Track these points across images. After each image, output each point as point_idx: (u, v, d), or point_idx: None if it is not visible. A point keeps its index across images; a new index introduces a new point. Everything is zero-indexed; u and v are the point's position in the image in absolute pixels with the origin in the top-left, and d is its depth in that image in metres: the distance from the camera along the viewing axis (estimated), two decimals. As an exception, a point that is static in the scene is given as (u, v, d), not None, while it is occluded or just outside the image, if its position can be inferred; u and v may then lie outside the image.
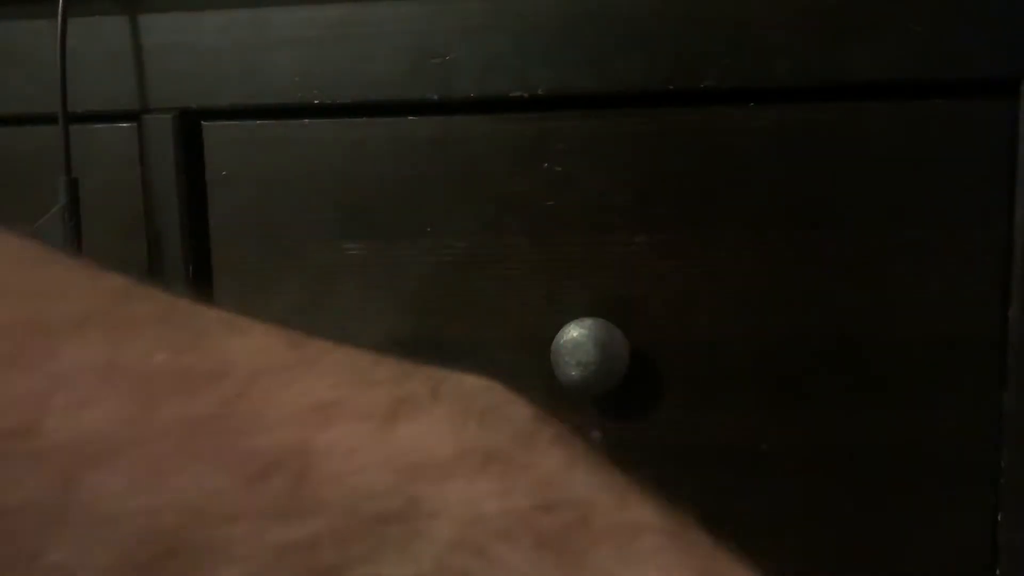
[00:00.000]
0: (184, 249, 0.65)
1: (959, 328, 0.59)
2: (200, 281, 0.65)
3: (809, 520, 0.62)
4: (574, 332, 0.60)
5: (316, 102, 0.62)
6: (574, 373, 0.60)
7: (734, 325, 0.61)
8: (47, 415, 0.18)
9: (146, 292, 0.22)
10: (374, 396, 0.21)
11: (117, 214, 0.65)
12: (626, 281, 0.61)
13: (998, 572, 0.60)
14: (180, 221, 0.64)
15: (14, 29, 0.64)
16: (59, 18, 0.61)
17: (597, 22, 0.59)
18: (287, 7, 0.62)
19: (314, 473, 0.19)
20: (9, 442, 0.18)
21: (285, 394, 0.20)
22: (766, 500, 0.62)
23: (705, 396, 0.61)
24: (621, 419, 0.62)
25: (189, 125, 0.64)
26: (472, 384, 0.22)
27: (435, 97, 0.61)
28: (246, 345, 0.21)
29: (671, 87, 0.59)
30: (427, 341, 0.63)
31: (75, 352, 0.19)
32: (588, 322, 0.60)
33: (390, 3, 0.61)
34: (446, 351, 0.63)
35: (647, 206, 0.61)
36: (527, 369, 0.63)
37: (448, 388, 0.21)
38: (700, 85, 0.59)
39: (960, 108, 0.57)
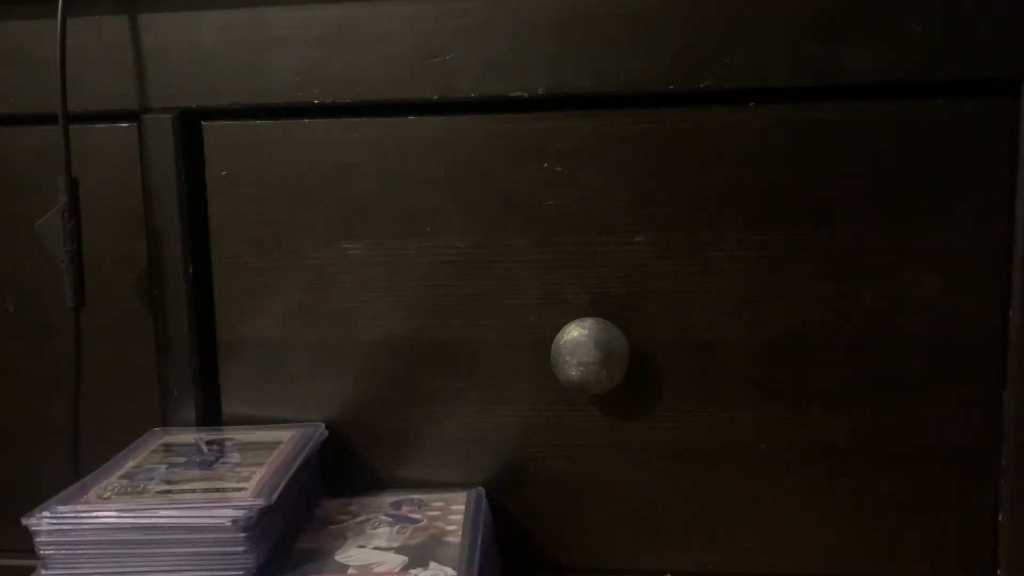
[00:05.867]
0: (184, 249, 0.65)
1: (959, 328, 0.59)
2: (200, 281, 0.65)
3: (809, 520, 0.62)
4: (574, 332, 0.60)
5: (316, 102, 0.62)
6: (574, 373, 0.60)
7: (734, 325, 0.61)
8: None
9: None
10: None
11: (117, 214, 0.65)
12: (626, 281, 0.61)
13: (998, 572, 0.60)
14: (180, 221, 0.64)
15: (14, 29, 0.64)
16: (59, 18, 0.61)
17: (596, 22, 0.59)
18: (287, 7, 0.62)
19: None
20: None
21: None
22: (766, 500, 0.62)
23: (705, 396, 0.62)
24: (621, 419, 0.63)
25: (189, 125, 0.64)
26: None
27: (435, 97, 0.61)
28: None
29: (671, 87, 0.59)
30: (427, 341, 0.63)
31: None
32: (588, 322, 0.60)
33: (390, 3, 0.61)
34: (446, 351, 0.63)
35: (647, 206, 0.61)
36: (527, 369, 0.63)
37: None
38: (700, 85, 0.59)
39: (960, 108, 0.58)
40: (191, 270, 0.65)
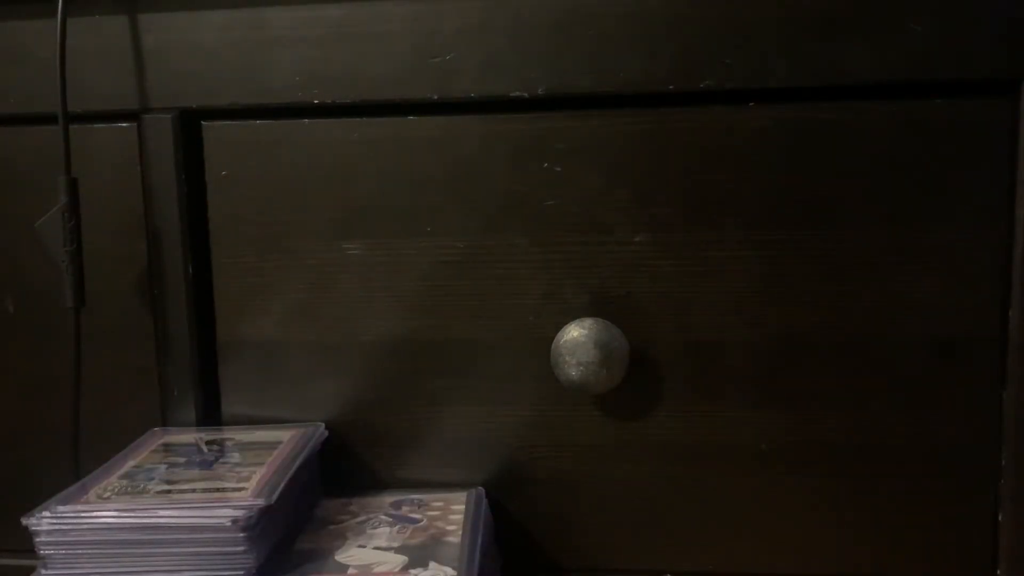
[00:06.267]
0: (184, 249, 0.65)
1: (959, 328, 0.59)
2: (200, 281, 0.65)
3: (809, 520, 0.62)
4: (574, 332, 0.60)
5: (316, 102, 0.62)
6: (574, 373, 0.60)
7: (734, 325, 0.61)
8: None
9: None
10: None
11: (117, 214, 0.65)
12: (626, 281, 0.61)
13: (998, 572, 0.60)
14: (180, 221, 0.64)
15: (14, 29, 0.64)
16: (59, 18, 0.61)
17: (596, 22, 0.59)
18: (287, 7, 0.62)
19: None
20: None
21: None
22: (766, 500, 0.62)
23: (705, 396, 0.62)
24: (621, 419, 0.63)
25: (189, 125, 0.64)
26: None
27: (435, 97, 0.61)
28: None
29: (671, 87, 0.59)
30: (427, 341, 0.63)
31: None
32: (588, 322, 0.60)
33: (390, 3, 0.61)
34: (446, 351, 0.63)
35: (647, 206, 0.61)
36: (527, 369, 0.63)
37: None
38: (700, 85, 0.59)
39: (960, 108, 0.58)
40: (191, 270, 0.65)
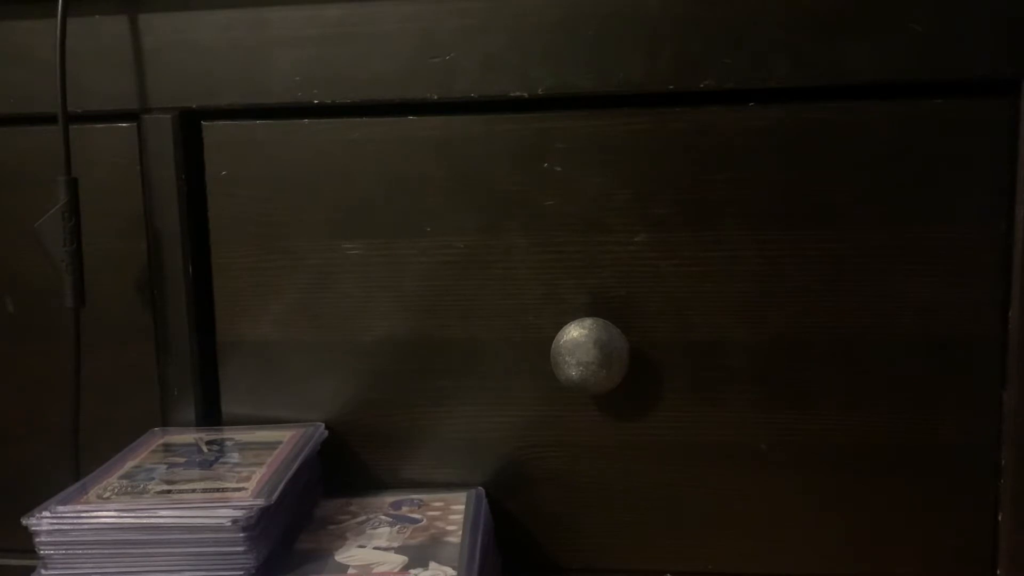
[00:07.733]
0: (184, 249, 0.65)
1: (959, 328, 0.59)
2: (200, 281, 0.65)
3: (809, 520, 0.62)
4: (574, 332, 0.60)
5: (316, 102, 0.62)
6: (574, 373, 0.60)
7: (734, 325, 0.61)
8: None
9: None
10: None
11: (117, 214, 0.65)
12: (626, 281, 0.61)
13: (998, 572, 0.60)
14: (180, 221, 0.64)
15: (14, 29, 0.64)
16: (59, 18, 0.61)
17: (596, 22, 0.59)
18: (287, 7, 0.62)
19: None
20: None
21: None
22: (766, 500, 0.62)
23: (705, 396, 0.62)
24: (621, 419, 0.63)
25: (189, 125, 0.64)
26: None
27: (435, 97, 0.61)
28: None
29: (671, 87, 0.59)
30: (427, 341, 0.63)
31: None
32: (588, 322, 0.60)
33: (390, 3, 0.61)
34: (446, 351, 0.63)
35: (647, 206, 0.61)
36: (527, 369, 0.63)
37: None
38: (700, 85, 0.59)
39: (960, 108, 0.58)
40: (191, 270, 0.65)
